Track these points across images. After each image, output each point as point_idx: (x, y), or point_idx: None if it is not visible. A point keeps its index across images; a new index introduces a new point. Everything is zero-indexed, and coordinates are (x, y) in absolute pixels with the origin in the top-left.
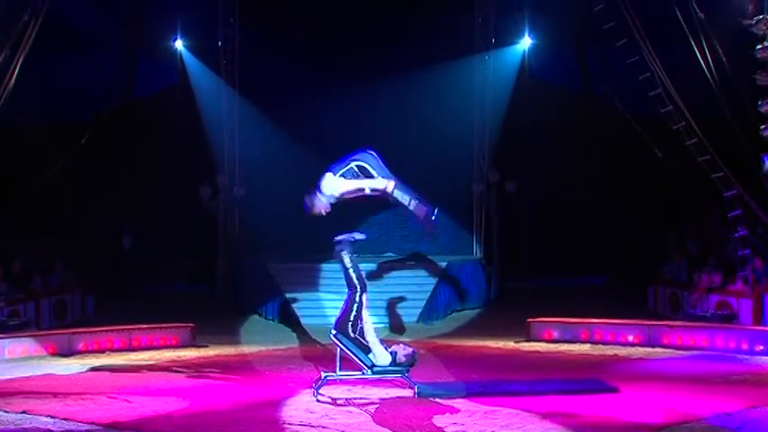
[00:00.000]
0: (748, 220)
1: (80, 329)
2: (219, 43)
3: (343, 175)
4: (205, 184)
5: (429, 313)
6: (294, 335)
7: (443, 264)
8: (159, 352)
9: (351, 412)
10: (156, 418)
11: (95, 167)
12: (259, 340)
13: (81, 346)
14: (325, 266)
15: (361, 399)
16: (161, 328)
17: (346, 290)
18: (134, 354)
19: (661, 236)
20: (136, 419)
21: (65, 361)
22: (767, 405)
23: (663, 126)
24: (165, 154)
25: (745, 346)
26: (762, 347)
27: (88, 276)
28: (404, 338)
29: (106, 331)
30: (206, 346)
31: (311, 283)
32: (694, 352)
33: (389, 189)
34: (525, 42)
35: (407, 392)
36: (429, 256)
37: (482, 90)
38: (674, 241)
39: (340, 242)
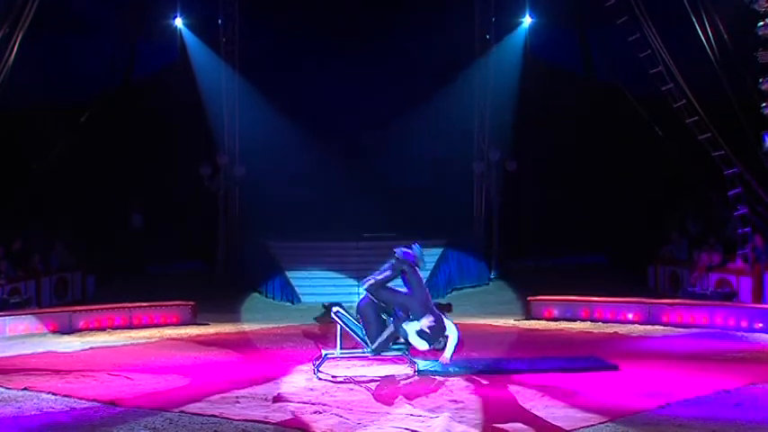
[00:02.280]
0: (748, 199)
1: (81, 307)
2: (220, 21)
3: None
4: (205, 163)
5: (429, 289)
6: (294, 313)
7: (444, 242)
8: (160, 330)
9: (351, 389)
10: (156, 394)
11: (96, 147)
12: (259, 318)
13: (82, 323)
14: (325, 245)
15: (361, 376)
16: (162, 306)
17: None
18: (134, 332)
19: (661, 214)
20: (136, 396)
21: (65, 338)
22: (766, 382)
23: (664, 105)
24: (166, 133)
25: (744, 324)
26: (761, 325)
27: (89, 255)
28: None
29: (107, 309)
30: (206, 324)
31: (311, 261)
32: (694, 330)
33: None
34: (526, 21)
35: (408, 370)
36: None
37: (483, 70)
38: (674, 220)
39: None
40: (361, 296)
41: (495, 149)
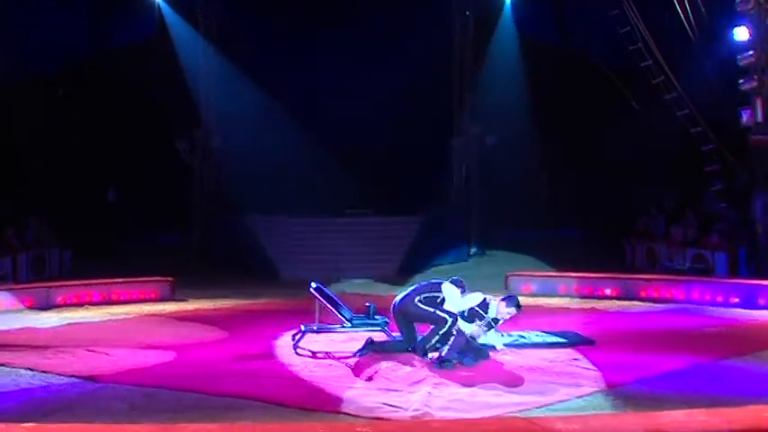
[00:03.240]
0: (725, 175)
1: (58, 283)
2: None
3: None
4: (182, 137)
5: (408, 266)
6: (273, 288)
7: (423, 218)
8: (138, 306)
9: (330, 365)
10: (135, 370)
11: (70, 121)
12: (238, 294)
13: (59, 299)
14: (304, 220)
15: (340, 352)
16: (140, 282)
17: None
18: (113, 307)
19: (639, 190)
20: (115, 372)
21: (43, 314)
22: (740, 356)
23: (642, 81)
24: (142, 107)
25: (720, 299)
26: (737, 300)
27: (65, 231)
28: (382, 293)
29: (84, 285)
30: (185, 300)
31: (289, 236)
32: (671, 305)
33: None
34: None
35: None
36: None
37: (462, 44)
38: (650, 195)
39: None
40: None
41: (474, 124)
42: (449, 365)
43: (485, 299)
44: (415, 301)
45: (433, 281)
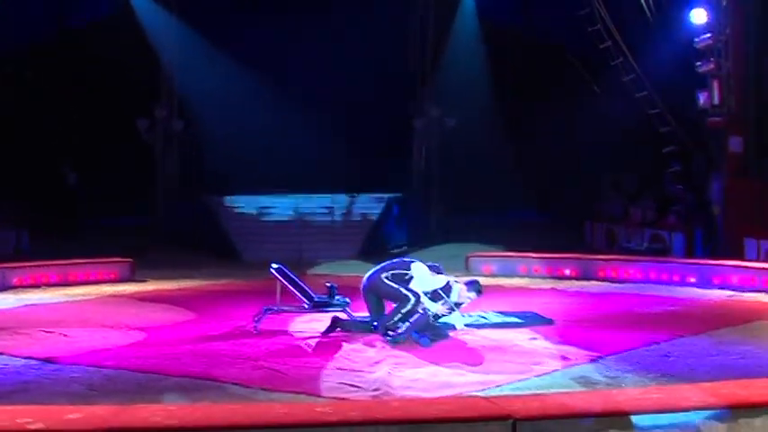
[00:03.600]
0: (682, 157)
1: (14, 264)
2: None
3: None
4: (142, 115)
5: (370, 247)
6: (234, 269)
7: (385, 200)
8: (97, 287)
9: (291, 346)
10: (94, 352)
11: (29, 100)
12: (198, 275)
13: (15, 280)
14: (265, 200)
15: (301, 332)
16: (99, 262)
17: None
18: (71, 288)
19: (598, 171)
20: (73, 353)
21: None
22: (695, 334)
23: (602, 63)
24: (101, 85)
25: (676, 279)
26: (693, 279)
27: (22, 211)
28: (344, 274)
29: (41, 266)
30: (145, 281)
31: (251, 217)
32: (628, 284)
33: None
34: None
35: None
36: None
37: (423, 25)
38: (609, 177)
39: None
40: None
41: (434, 106)
42: (400, 339)
43: (448, 282)
44: (383, 276)
45: (405, 259)
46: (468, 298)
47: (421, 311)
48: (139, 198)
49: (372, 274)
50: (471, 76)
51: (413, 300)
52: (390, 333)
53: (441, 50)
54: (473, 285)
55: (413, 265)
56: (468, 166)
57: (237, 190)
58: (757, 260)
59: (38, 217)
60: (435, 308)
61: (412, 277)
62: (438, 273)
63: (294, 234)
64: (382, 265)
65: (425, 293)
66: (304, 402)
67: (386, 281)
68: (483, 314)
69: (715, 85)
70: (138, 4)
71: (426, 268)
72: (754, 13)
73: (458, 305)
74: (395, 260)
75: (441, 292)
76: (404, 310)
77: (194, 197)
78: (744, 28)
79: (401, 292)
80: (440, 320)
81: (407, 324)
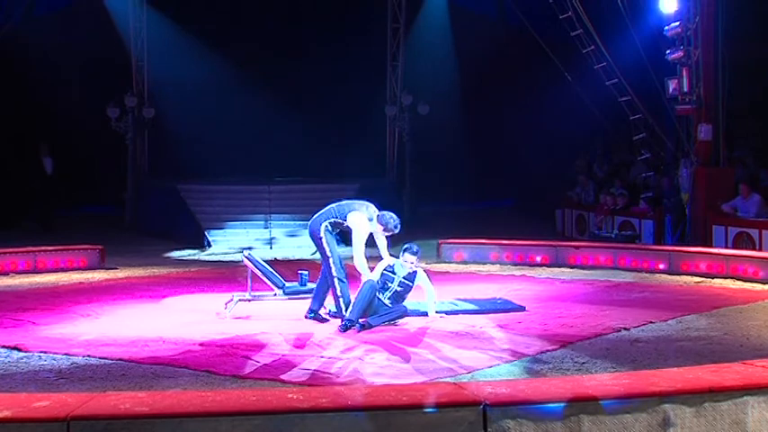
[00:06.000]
0: (652, 144)
1: None
2: None
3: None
4: (112, 104)
5: (341, 235)
6: (204, 257)
7: (356, 187)
8: (67, 274)
9: (263, 333)
10: (63, 339)
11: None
12: (169, 263)
13: None
14: (235, 188)
15: (271, 319)
16: (68, 250)
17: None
18: (39, 276)
19: (569, 158)
20: (42, 341)
21: None
22: (664, 320)
23: (574, 51)
24: (71, 73)
25: (646, 265)
26: (662, 266)
27: None
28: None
29: (9, 253)
30: (115, 269)
31: (221, 205)
32: (599, 271)
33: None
34: None
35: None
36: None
37: (396, 14)
38: (581, 164)
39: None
40: None
41: (407, 93)
42: (350, 325)
43: (391, 263)
44: (322, 225)
45: (345, 203)
46: (411, 262)
47: (338, 278)
48: (110, 186)
49: (315, 219)
50: (443, 63)
51: (331, 258)
52: (337, 320)
53: (412, 37)
54: (407, 250)
55: (349, 215)
56: (440, 153)
57: (208, 178)
58: (725, 247)
59: (6, 205)
60: (391, 289)
61: (348, 228)
62: (416, 255)
63: (263, 221)
64: (327, 208)
65: (379, 285)
66: (275, 389)
67: (322, 234)
68: (453, 301)
69: (684, 72)
70: None
71: (363, 217)
72: (724, 1)
73: (410, 277)
74: (335, 205)
75: (386, 271)
76: (338, 292)
77: (165, 185)
78: (713, 16)
79: (325, 252)
80: (413, 309)
81: (345, 305)
